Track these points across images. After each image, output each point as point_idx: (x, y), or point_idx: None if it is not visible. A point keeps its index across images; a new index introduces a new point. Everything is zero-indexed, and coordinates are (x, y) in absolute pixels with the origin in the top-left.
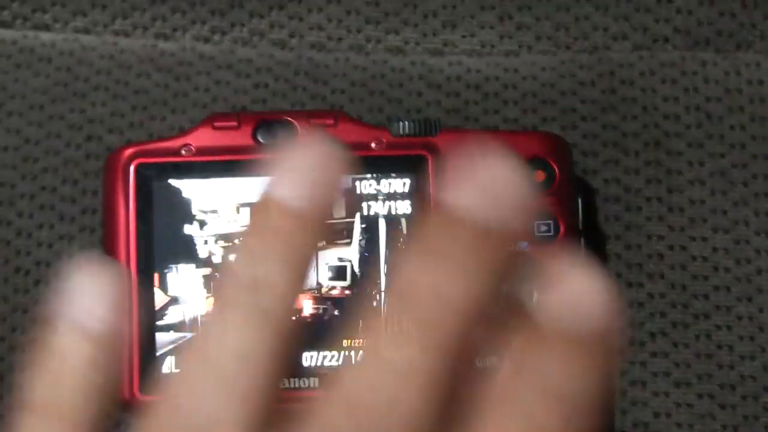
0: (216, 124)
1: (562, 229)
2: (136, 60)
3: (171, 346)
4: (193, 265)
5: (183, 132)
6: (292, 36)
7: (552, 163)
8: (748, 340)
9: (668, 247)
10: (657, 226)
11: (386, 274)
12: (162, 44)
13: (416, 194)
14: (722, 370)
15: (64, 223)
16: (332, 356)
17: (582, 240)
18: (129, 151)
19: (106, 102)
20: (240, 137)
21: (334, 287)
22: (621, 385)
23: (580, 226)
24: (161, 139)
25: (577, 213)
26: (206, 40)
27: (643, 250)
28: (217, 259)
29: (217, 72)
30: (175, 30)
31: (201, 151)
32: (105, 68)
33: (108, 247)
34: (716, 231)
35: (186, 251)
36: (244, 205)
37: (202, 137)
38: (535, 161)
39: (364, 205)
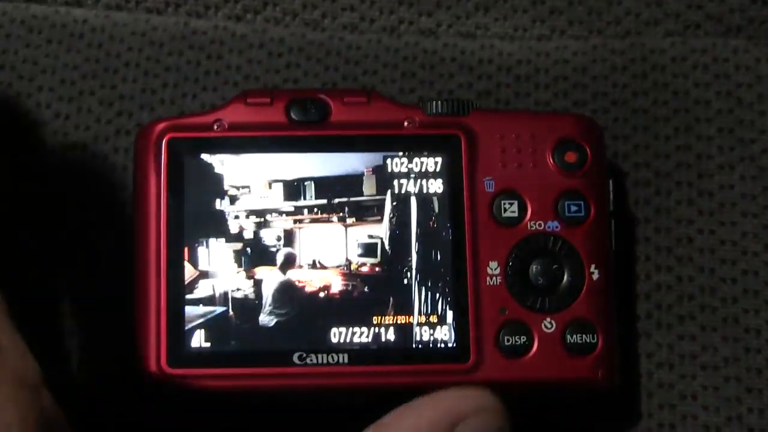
0: (249, 100)
1: (592, 210)
2: (167, 37)
3: (200, 320)
4: (223, 240)
5: (215, 108)
6: (324, 16)
7: (583, 144)
8: None
9: (698, 231)
10: (687, 211)
11: (417, 252)
12: (194, 22)
13: (448, 173)
14: (749, 354)
15: (94, 199)
16: (361, 333)
17: (612, 222)
18: (161, 126)
19: (137, 78)
20: (273, 114)
21: (363, 264)
22: (648, 367)
23: (611, 208)
24: (193, 114)
25: (608, 195)
26: (238, 19)
27: (673, 233)
28: (248, 234)
29: (248, 51)
30: (207, 8)
31: (233, 126)
32: (136, 45)
33: (138, 221)
34: (745, 216)
35: (217, 226)
36: (275, 181)
37: (235, 113)
38: (566, 142)
39: (396, 183)
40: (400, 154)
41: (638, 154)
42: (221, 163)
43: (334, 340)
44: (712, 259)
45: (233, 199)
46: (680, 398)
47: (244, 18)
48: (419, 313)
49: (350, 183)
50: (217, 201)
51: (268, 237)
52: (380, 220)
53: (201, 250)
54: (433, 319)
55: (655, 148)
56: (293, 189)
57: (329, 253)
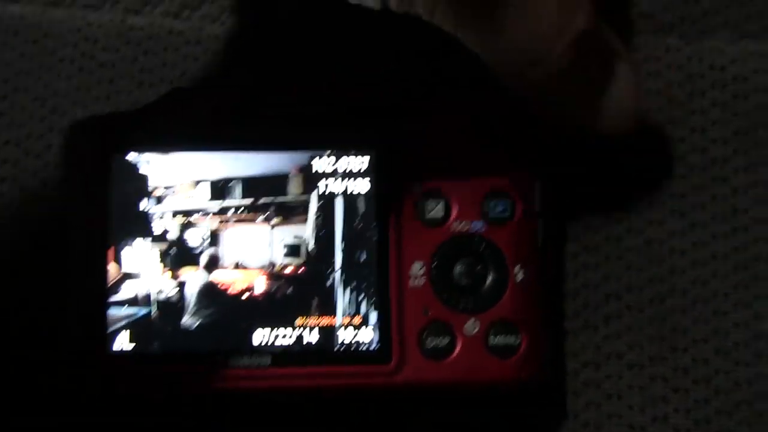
0: (177, 98)
1: (518, 210)
2: (103, 34)
3: (124, 322)
4: (149, 240)
5: (143, 106)
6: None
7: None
8: (702, 323)
9: (626, 230)
10: (615, 210)
11: (342, 253)
12: (131, 19)
13: (375, 173)
14: (676, 353)
15: (27, 196)
16: (284, 334)
17: (539, 222)
18: (87, 124)
19: (72, 75)
20: (200, 112)
21: (288, 265)
22: (574, 366)
23: (538, 208)
24: (120, 112)
25: (535, 195)
26: (175, 16)
27: (602, 232)
28: (173, 234)
29: (185, 48)
30: (144, 4)
31: (160, 125)
32: (72, 41)
33: (65, 220)
34: (674, 215)
35: (142, 226)
36: (201, 180)
37: (163, 111)
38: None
39: (322, 182)
40: (327, 153)
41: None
42: (147, 162)
43: (257, 341)
44: (640, 258)
45: (159, 199)
46: (606, 397)
47: (181, 15)
48: (343, 315)
49: (276, 183)
50: (143, 201)
51: (193, 237)
52: (305, 221)
53: (126, 251)
54: (357, 320)
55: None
56: (219, 189)
57: (254, 254)
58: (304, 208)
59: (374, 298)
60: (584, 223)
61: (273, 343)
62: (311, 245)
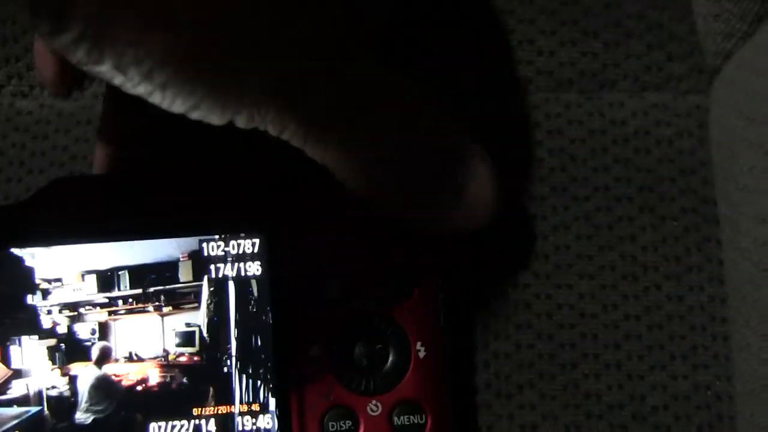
0: (59, 190)
1: (417, 286)
2: None
3: (14, 422)
4: (36, 337)
5: (23, 199)
6: None
7: None
8: (617, 388)
9: (534, 295)
10: (522, 275)
11: (236, 339)
12: (19, 102)
13: (267, 254)
14: (591, 419)
15: None
16: (181, 426)
17: (440, 296)
18: None
19: None
20: (84, 203)
21: (182, 354)
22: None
23: (439, 282)
24: (1, 205)
25: (435, 268)
26: (65, 97)
27: (510, 299)
28: (61, 329)
29: (76, 129)
30: (32, 87)
31: (42, 218)
32: None
33: None
34: (582, 277)
35: (29, 322)
36: (88, 272)
37: (44, 204)
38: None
39: (212, 267)
40: (216, 237)
41: None
42: (32, 256)
43: None
44: (550, 324)
45: (45, 293)
46: None
47: (72, 95)
48: (241, 402)
49: (165, 270)
50: (29, 296)
51: (83, 331)
52: (197, 307)
53: (13, 349)
54: (255, 407)
55: None
56: (107, 279)
57: (146, 345)
58: (195, 294)
59: (272, 384)
60: (490, 290)
61: None
62: (205, 332)
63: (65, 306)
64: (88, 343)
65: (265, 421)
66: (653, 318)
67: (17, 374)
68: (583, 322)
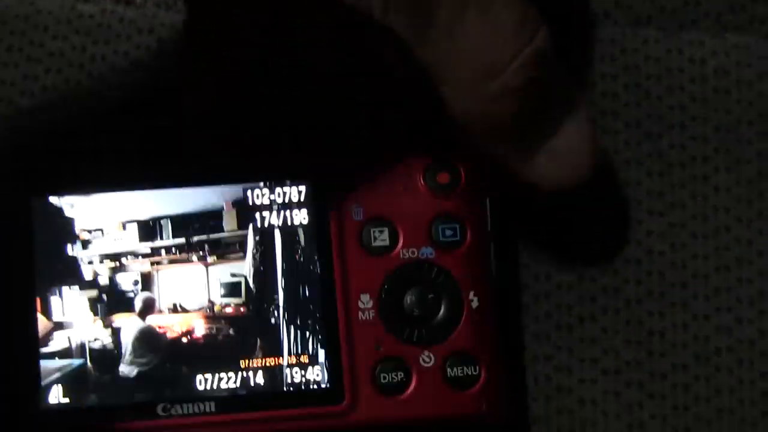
0: (98, 135)
1: (468, 233)
2: (53, 21)
3: (57, 375)
4: (77, 288)
5: (64, 147)
6: None
7: (456, 164)
8: (681, 327)
9: (602, 230)
10: (592, 208)
11: (283, 289)
12: (81, 6)
13: (313, 202)
14: (652, 357)
15: None
16: (228, 378)
17: (491, 244)
18: (4, 166)
19: (19, 63)
20: (123, 148)
21: (227, 305)
22: (546, 370)
23: (489, 229)
24: (39, 153)
25: (485, 216)
26: (127, 3)
27: (574, 232)
28: (103, 280)
29: (138, 36)
30: None
31: (82, 165)
32: (20, 29)
33: None
34: (651, 214)
35: (70, 273)
36: (129, 221)
37: (83, 151)
38: (438, 163)
39: (258, 216)
40: (261, 184)
41: None
42: (71, 205)
43: (200, 387)
44: (615, 259)
45: (86, 244)
46: (580, 403)
47: (134, 2)
48: (289, 354)
49: (209, 219)
50: (69, 246)
51: (125, 282)
52: (243, 257)
53: (54, 300)
54: (304, 359)
55: None
56: (148, 228)
57: (190, 296)
58: (240, 244)
59: (321, 335)
60: (547, 227)
61: (217, 387)
62: (251, 283)
63: (106, 256)
64: (131, 294)
65: (315, 373)
66: (721, 259)
67: (58, 326)
68: (649, 259)
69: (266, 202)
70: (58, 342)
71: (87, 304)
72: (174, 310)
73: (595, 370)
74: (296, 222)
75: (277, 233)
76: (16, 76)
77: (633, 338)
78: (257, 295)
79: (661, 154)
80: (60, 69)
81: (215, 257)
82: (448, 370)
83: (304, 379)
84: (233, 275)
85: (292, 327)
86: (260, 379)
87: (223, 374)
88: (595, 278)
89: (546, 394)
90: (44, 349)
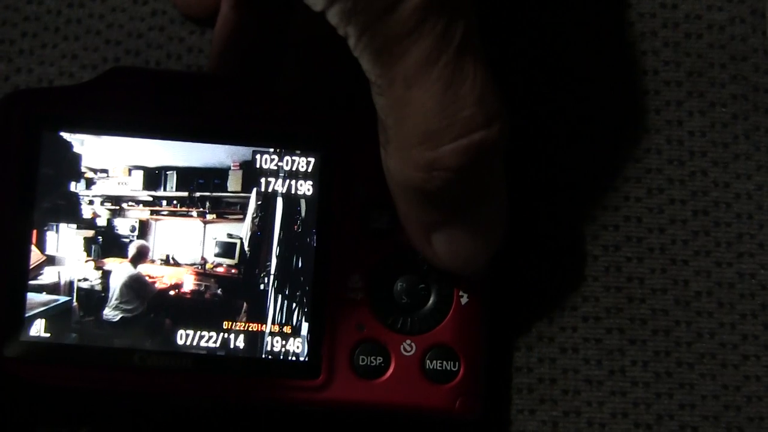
0: (117, 78)
1: None
2: None
3: (42, 308)
4: (74, 226)
5: (81, 82)
6: None
7: None
8: (660, 272)
9: (580, 176)
10: (568, 155)
11: (277, 257)
12: None
13: (320, 175)
14: (632, 303)
15: None
16: (209, 337)
17: None
18: (20, 96)
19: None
20: (141, 95)
21: (219, 264)
22: (527, 320)
23: None
24: (54, 87)
25: None
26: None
27: (558, 178)
28: (101, 221)
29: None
30: None
31: (97, 105)
32: None
33: None
34: (626, 161)
35: (69, 210)
36: (136, 167)
37: (101, 91)
38: None
39: (263, 180)
40: (271, 150)
41: None
42: (81, 142)
43: (180, 342)
44: (593, 205)
45: (89, 183)
46: (561, 351)
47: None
48: (273, 322)
49: (214, 176)
50: (72, 183)
51: (122, 226)
52: (242, 219)
53: (50, 234)
54: (287, 329)
55: None
56: (154, 177)
57: (184, 250)
58: (241, 205)
59: (307, 308)
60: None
61: (196, 344)
62: (246, 245)
63: (108, 198)
64: (126, 240)
65: (295, 344)
66: (698, 203)
67: (50, 261)
68: (626, 205)
69: (273, 168)
70: (47, 276)
71: (82, 243)
72: (166, 261)
73: (575, 317)
74: (300, 192)
75: (280, 200)
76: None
77: (612, 284)
78: (250, 259)
79: (636, 99)
80: (35, 33)
81: (215, 215)
82: (428, 362)
83: (283, 350)
84: (230, 236)
85: (279, 296)
86: (240, 342)
87: (204, 332)
88: (573, 225)
89: (527, 344)
90: (33, 282)
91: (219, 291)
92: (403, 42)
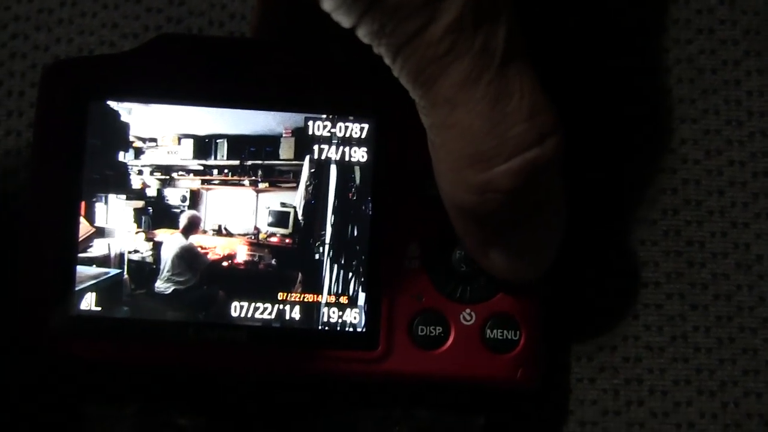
0: (165, 45)
1: None
2: None
3: (92, 282)
4: (124, 197)
5: (128, 50)
6: None
7: None
8: (720, 235)
9: (637, 138)
10: (625, 115)
11: (332, 226)
12: None
13: (375, 142)
14: (693, 268)
15: None
16: (264, 309)
17: None
18: (67, 64)
19: None
20: (190, 62)
21: (273, 234)
22: (583, 285)
23: None
24: (102, 55)
25: None
26: None
27: (611, 140)
28: (151, 192)
29: None
30: None
31: (145, 72)
32: None
33: (33, 168)
34: (684, 121)
35: (118, 181)
36: (186, 136)
37: (149, 58)
38: None
39: (316, 147)
40: (324, 116)
41: None
42: (129, 111)
43: (234, 314)
44: (651, 169)
45: (138, 152)
46: (620, 318)
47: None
48: (329, 293)
49: (266, 144)
50: (121, 153)
51: (173, 197)
52: (295, 188)
53: (99, 206)
54: (344, 300)
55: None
56: (204, 146)
57: (237, 220)
58: (294, 173)
59: (364, 278)
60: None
61: (251, 317)
62: (300, 214)
63: (158, 168)
64: (177, 210)
65: (352, 315)
66: (758, 164)
67: (100, 233)
68: (684, 167)
69: (326, 134)
70: (97, 249)
71: (132, 214)
72: (218, 232)
73: (634, 282)
74: (354, 159)
75: (333, 168)
76: (30, 11)
77: (672, 249)
78: (304, 229)
79: (691, 59)
80: (74, 2)
81: (267, 184)
82: (488, 331)
83: (340, 321)
84: (283, 205)
85: (335, 266)
86: (296, 314)
87: (259, 304)
88: (631, 189)
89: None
90: (82, 255)
91: (273, 261)
92: (439, 63)
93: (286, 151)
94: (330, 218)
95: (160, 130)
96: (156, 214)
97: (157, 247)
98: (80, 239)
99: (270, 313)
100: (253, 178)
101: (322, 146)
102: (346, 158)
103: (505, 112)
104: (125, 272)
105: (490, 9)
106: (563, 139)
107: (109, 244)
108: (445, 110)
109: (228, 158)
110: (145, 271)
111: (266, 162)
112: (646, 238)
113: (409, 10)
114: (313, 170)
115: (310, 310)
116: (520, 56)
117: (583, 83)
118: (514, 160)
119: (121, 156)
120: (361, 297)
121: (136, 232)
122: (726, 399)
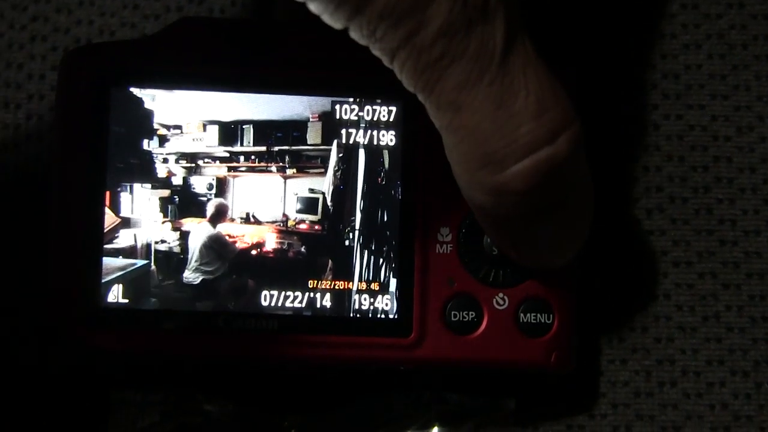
0: (187, 29)
1: None
2: None
3: (119, 273)
4: (149, 186)
5: (149, 35)
6: None
7: None
8: (753, 213)
9: (663, 116)
10: (651, 94)
11: (362, 211)
12: None
13: (403, 125)
14: (725, 246)
15: (8, 111)
16: (295, 297)
17: None
18: (87, 51)
19: None
20: (212, 46)
21: (302, 221)
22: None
23: None
24: (124, 41)
25: None
26: None
27: (637, 120)
28: (177, 180)
29: None
30: None
31: (167, 58)
32: None
33: (56, 158)
34: (714, 97)
35: (143, 169)
36: (211, 122)
37: (171, 43)
38: None
39: (344, 132)
40: (351, 100)
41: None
42: (152, 98)
43: (264, 303)
44: (680, 146)
45: (163, 140)
46: (652, 299)
47: None
48: (360, 279)
49: (293, 129)
50: (145, 141)
51: (199, 185)
52: (324, 173)
53: (124, 196)
54: (375, 286)
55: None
56: (230, 132)
57: (265, 207)
58: (322, 159)
59: (395, 264)
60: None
61: (282, 305)
62: (329, 200)
63: (183, 156)
64: (204, 199)
65: (384, 301)
66: None
67: (125, 223)
68: (715, 144)
69: (354, 118)
70: (123, 239)
71: (158, 203)
72: (246, 220)
73: (665, 263)
74: (383, 143)
75: (362, 152)
76: None
77: (703, 227)
78: (334, 215)
79: (722, 35)
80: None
81: (295, 170)
82: (521, 315)
83: (372, 308)
84: (311, 191)
85: (366, 252)
86: (327, 302)
87: (289, 292)
88: (660, 167)
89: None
90: (108, 246)
91: (303, 249)
92: (436, 67)
93: (313, 135)
94: (359, 203)
95: (185, 117)
96: (182, 203)
97: (184, 236)
98: (106, 230)
99: (301, 302)
100: (281, 164)
101: (350, 130)
102: (375, 142)
103: (512, 112)
104: (152, 263)
105: (482, 11)
106: (580, 132)
107: (135, 235)
108: (450, 113)
109: (254, 144)
110: (172, 261)
111: (293, 147)
112: (678, 217)
113: (396, 18)
114: (341, 155)
115: (341, 298)
116: (524, 52)
117: (608, 58)
118: (525, 160)
119: (146, 144)
120: (393, 283)
121: (163, 222)
122: (760, 379)
